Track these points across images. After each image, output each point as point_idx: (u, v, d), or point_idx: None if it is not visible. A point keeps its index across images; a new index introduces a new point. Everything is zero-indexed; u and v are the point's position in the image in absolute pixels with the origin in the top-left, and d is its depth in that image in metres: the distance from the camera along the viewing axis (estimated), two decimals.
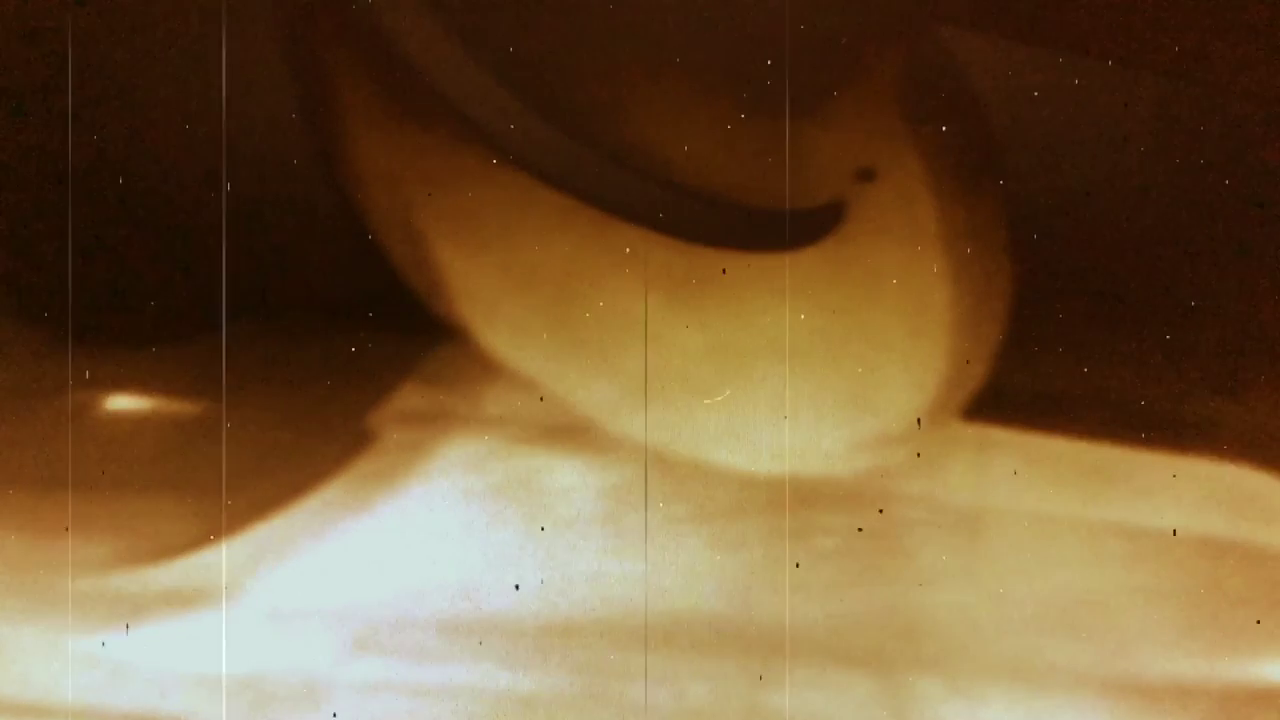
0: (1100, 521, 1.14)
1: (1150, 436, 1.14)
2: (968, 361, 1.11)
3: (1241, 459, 1.15)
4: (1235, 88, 1.13)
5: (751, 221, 1.07)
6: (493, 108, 1.05)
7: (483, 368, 1.11)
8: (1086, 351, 1.14)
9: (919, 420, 1.11)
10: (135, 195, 1.11)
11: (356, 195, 1.10)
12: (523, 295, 1.09)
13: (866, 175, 1.07)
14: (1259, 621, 1.14)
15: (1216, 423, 1.15)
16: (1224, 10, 1.11)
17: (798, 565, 1.12)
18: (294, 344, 1.12)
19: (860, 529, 1.13)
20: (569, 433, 1.11)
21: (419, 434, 1.12)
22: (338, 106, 1.08)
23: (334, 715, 1.08)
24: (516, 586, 1.10)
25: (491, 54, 1.05)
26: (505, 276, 1.08)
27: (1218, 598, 1.14)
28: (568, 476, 1.12)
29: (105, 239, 1.12)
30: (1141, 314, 1.14)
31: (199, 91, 1.09)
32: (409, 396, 1.12)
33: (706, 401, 1.09)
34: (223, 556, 1.09)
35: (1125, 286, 1.14)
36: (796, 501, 1.13)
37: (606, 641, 1.11)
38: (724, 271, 1.07)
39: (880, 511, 1.13)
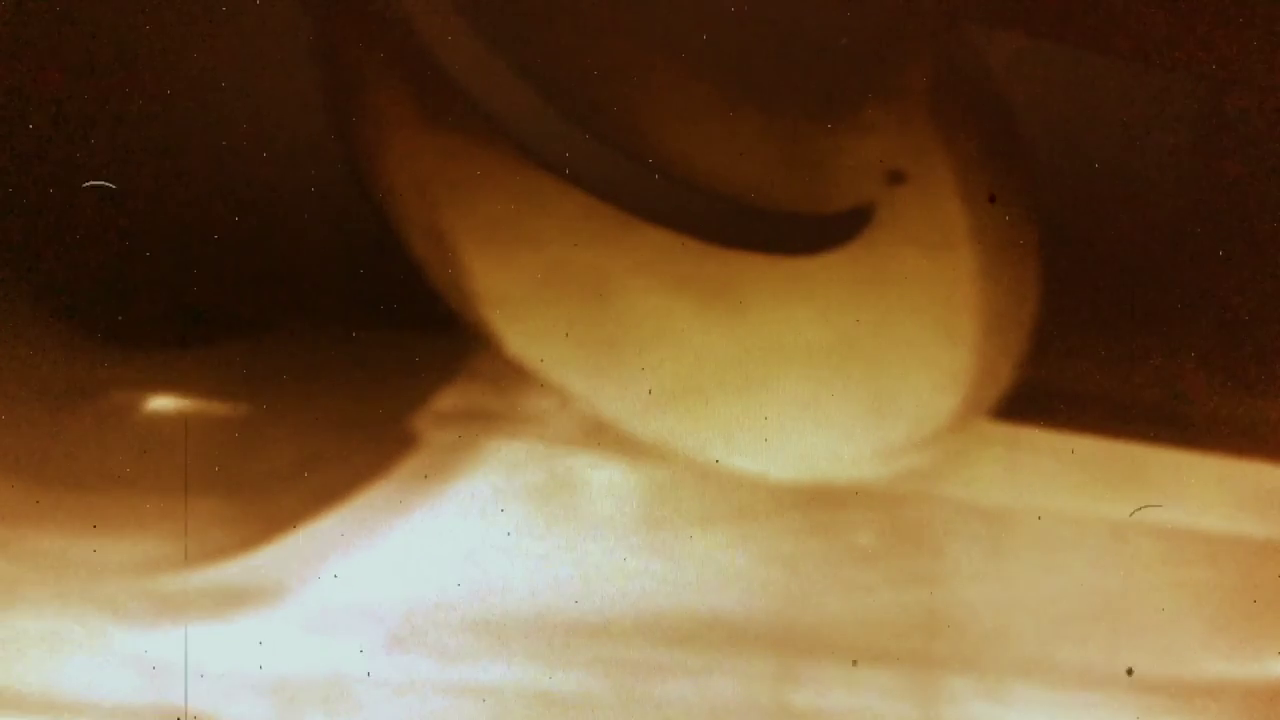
0: (1130, 521, 1.14)
1: (1182, 437, 1.14)
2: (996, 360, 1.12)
3: (1275, 459, 1.15)
4: (1273, 84, 1.13)
5: (779, 225, 1.07)
6: (521, 110, 1.05)
7: (514, 370, 1.11)
8: (1118, 352, 1.14)
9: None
10: (172, 198, 1.12)
11: (385, 197, 1.10)
12: (548, 297, 1.09)
13: (897, 178, 1.08)
14: None
15: (1250, 423, 1.15)
16: (1255, 7, 1.11)
17: (827, 564, 1.13)
18: (330, 346, 1.13)
19: (889, 528, 1.13)
20: (598, 435, 1.12)
21: (456, 435, 1.13)
22: (367, 108, 1.08)
23: (366, 714, 1.09)
24: (545, 586, 1.11)
25: (520, 55, 1.05)
26: (529, 278, 1.08)
27: (1250, 597, 1.14)
28: (599, 477, 1.12)
29: (142, 242, 1.12)
30: (1174, 315, 1.14)
31: (232, 93, 1.10)
32: (445, 399, 1.13)
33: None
34: (265, 559, 1.10)
35: (1160, 287, 1.14)
36: (826, 500, 1.13)
37: (636, 640, 1.12)
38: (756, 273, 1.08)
39: (909, 512, 1.13)
